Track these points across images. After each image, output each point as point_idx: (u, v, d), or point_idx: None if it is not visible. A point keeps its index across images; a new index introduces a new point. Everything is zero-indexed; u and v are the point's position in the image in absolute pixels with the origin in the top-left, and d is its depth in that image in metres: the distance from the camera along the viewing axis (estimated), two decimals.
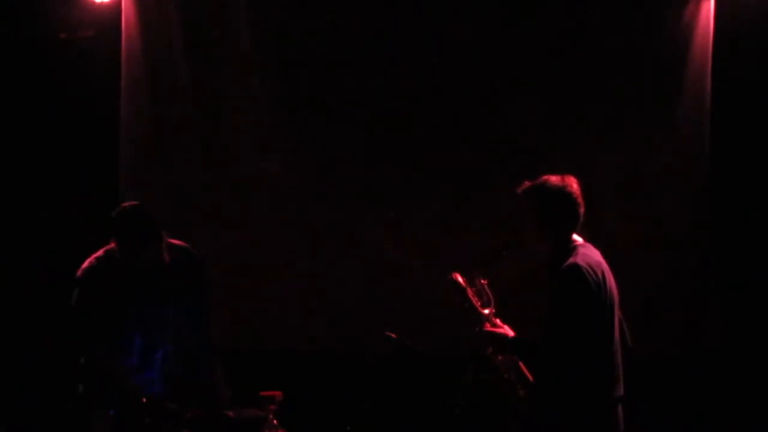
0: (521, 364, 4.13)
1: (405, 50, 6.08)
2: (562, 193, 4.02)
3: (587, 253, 3.99)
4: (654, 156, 5.97)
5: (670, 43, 5.94)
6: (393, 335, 4.75)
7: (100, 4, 6.10)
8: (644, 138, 5.98)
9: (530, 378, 4.09)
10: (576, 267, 3.89)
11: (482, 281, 4.21)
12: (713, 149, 5.92)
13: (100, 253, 4.61)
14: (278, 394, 4.32)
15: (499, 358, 4.15)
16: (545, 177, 4.07)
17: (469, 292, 4.20)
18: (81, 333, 4.54)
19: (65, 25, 6.18)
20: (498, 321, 4.19)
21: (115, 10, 6.13)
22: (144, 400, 4.27)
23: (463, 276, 4.25)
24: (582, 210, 4.05)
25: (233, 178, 6.22)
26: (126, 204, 4.59)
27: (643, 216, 5.94)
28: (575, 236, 4.06)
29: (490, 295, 4.20)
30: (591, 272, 3.90)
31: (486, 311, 4.18)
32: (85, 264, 4.60)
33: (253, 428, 4.26)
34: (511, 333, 4.14)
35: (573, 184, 4.05)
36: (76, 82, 6.16)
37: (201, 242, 6.04)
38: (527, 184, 4.09)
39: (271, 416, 4.27)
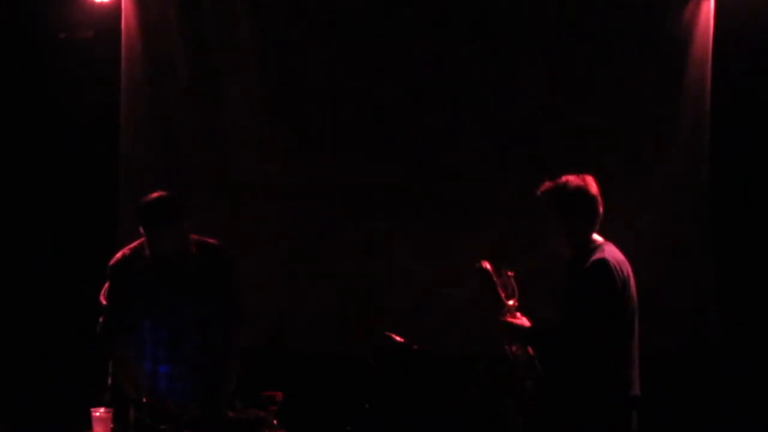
0: (535, 360, 4.15)
1: (406, 49, 6.08)
2: (582, 192, 4.11)
3: (612, 251, 4.08)
4: (654, 156, 5.97)
5: (670, 43, 5.94)
6: (394, 335, 4.74)
7: (100, 4, 6.09)
8: (644, 138, 5.98)
9: (543, 373, 4.11)
10: (605, 262, 3.98)
11: (509, 273, 4.25)
12: (713, 150, 5.92)
13: (129, 246, 4.72)
14: (278, 394, 4.32)
15: (513, 349, 4.16)
16: (565, 177, 4.16)
17: (496, 281, 4.23)
18: (103, 326, 4.64)
19: (65, 25, 6.18)
20: (518, 314, 4.21)
21: (115, 11, 6.13)
22: (144, 399, 4.28)
23: (491, 265, 4.28)
24: (601, 209, 4.14)
25: (233, 178, 6.22)
26: (147, 195, 4.66)
27: (642, 216, 5.93)
28: (596, 236, 4.13)
29: (515, 288, 4.23)
30: (618, 269, 4.00)
31: (510, 302, 4.21)
32: (117, 256, 4.71)
33: (253, 428, 4.26)
34: (528, 324, 4.17)
35: (592, 183, 4.16)
36: (76, 82, 6.16)
37: None
38: (548, 184, 4.15)
39: (271, 416, 4.26)
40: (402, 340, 4.73)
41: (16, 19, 6.14)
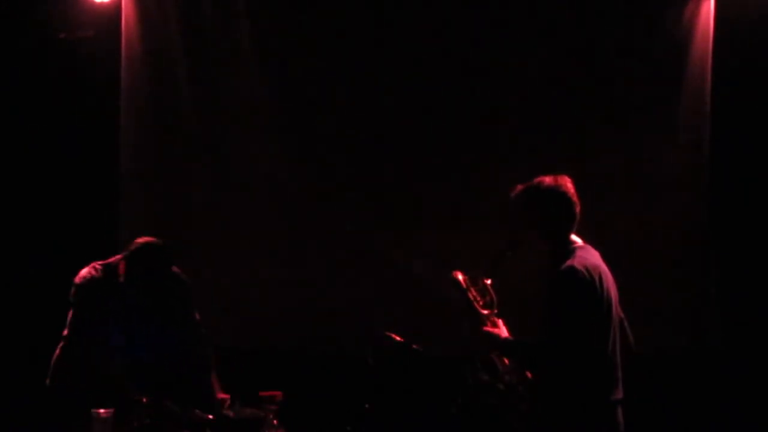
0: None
1: (406, 47, 6.08)
2: (557, 193, 4.00)
3: (585, 255, 3.96)
4: (653, 156, 5.97)
5: (670, 43, 5.94)
6: (394, 335, 4.74)
7: (100, 4, 6.10)
8: (644, 138, 5.98)
9: (530, 378, 4.08)
10: (572, 270, 3.87)
11: (485, 281, 4.19)
12: (713, 150, 5.92)
13: (98, 265, 4.72)
14: (278, 394, 4.32)
15: (505, 361, 4.13)
16: (539, 179, 4.04)
17: (471, 291, 4.19)
18: (75, 334, 4.67)
19: (65, 25, 6.18)
20: (500, 322, 4.17)
21: (115, 10, 6.13)
22: (144, 400, 4.28)
23: (465, 275, 4.23)
24: (578, 209, 4.02)
25: (233, 178, 6.22)
26: (149, 241, 4.67)
27: (642, 216, 5.93)
28: (574, 237, 4.04)
29: (493, 296, 4.17)
30: (587, 275, 3.87)
31: (486, 311, 4.16)
32: (83, 272, 4.71)
33: (253, 428, 4.26)
34: (505, 334, 4.13)
35: (567, 183, 4.03)
36: (76, 82, 6.15)
37: (200, 241, 6.09)
38: (520, 187, 4.07)
39: (271, 416, 4.27)
40: (402, 340, 4.72)
41: (16, 19, 6.13)
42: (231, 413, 4.39)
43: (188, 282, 4.86)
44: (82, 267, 5.01)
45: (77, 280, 4.70)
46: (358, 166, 6.14)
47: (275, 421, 4.27)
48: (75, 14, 6.14)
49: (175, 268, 4.80)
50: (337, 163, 6.16)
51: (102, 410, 4.13)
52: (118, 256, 4.71)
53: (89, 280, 4.67)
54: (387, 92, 6.11)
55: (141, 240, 4.67)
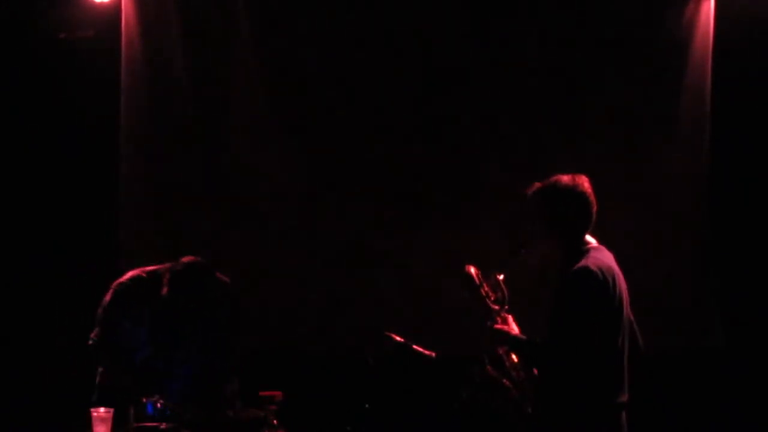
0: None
1: (407, 47, 6.08)
2: (575, 192, 3.94)
3: (599, 257, 3.92)
4: (654, 156, 5.98)
5: (670, 43, 5.94)
6: (394, 335, 4.74)
7: (100, 4, 6.09)
8: (644, 138, 5.98)
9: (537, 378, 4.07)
10: (586, 270, 3.83)
11: (498, 276, 4.15)
12: (713, 149, 5.92)
13: (144, 273, 4.72)
14: (278, 394, 4.32)
15: (514, 358, 4.12)
16: (556, 177, 3.99)
17: (483, 286, 4.16)
18: (97, 344, 4.67)
19: (65, 25, 6.18)
20: (510, 318, 4.15)
21: (115, 10, 6.12)
22: (144, 400, 4.28)
23: (477, 269, 4.21)
24: (595, 209, 3.96)
25: (233, 177, 6.22)
26: (195, 261, 4.64)
27: (642, 216, 5.93)
28: (589, 237, 3.99)
29: (505, 291, 4.13)
30: (600, 276, 3.83)
31: (496, 307, 4.14)
32: (125, 278, 4.73)
33: (253, 428, 4.26)
34: (515, 331, 4.11)
35: (584, 182, 3.97)
36: (76, 82, 6.15)
37: (200, 241, 6.08)
38: (537, 185, 4.01)
39: (271, 416, 4.27)
40: (402, 340, 4.71)
41: (16, 19, 6.13)
42: (231, 413, 4.39)
43: (234, 308, 4.85)
44: (82, 267, 5.05)
45: (115, 285, 4.70)
46: (358, 165, 6.14)
47: (275, 421, 4.26)
48: (75, 14, 6.13)
49: (221, 276, 4.77)
50: (338, 163, 6.16)
51: (102, 410, 4.12)
52: (167, 265, 4.67)
53: (127, 286, 4.67)
54: (387, 92, 6.11)
55: (187, 260, 4.63)
